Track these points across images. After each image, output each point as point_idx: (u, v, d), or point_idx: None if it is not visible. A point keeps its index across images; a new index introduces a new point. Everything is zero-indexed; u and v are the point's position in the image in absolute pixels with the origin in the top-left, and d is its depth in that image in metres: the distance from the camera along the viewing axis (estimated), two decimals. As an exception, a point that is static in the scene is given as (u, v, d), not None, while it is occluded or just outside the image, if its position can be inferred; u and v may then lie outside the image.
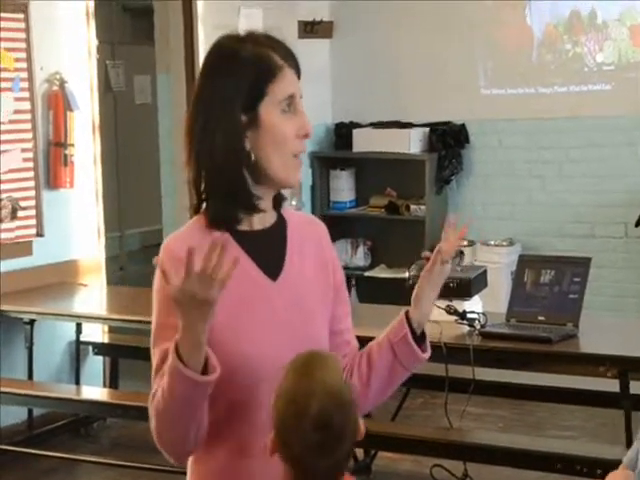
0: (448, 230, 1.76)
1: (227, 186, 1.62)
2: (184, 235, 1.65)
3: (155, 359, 1.59)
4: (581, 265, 3.45)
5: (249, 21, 5.36)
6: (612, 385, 3.29)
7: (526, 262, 3.57)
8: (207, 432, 1.60)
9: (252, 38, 1.64)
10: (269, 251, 1.66)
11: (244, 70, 1.60)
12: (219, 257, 1.44)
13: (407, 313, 1.72)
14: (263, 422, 1.56)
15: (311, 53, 5.72)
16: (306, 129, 1.64)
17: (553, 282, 3.42)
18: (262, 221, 1.67)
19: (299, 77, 1.66)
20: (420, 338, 1.71)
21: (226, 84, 1.61)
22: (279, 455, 1.45)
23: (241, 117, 1.60)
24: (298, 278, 1.67)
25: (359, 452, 3.96)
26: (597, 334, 3.41)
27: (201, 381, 1.49)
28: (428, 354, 1.73)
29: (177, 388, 1.50)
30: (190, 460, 1.66)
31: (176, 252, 1.58)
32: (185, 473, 1.73)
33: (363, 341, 1.79)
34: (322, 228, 1.78)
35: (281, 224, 1.70)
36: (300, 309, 1.65)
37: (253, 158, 1.61)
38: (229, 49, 1.64)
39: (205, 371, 1.50)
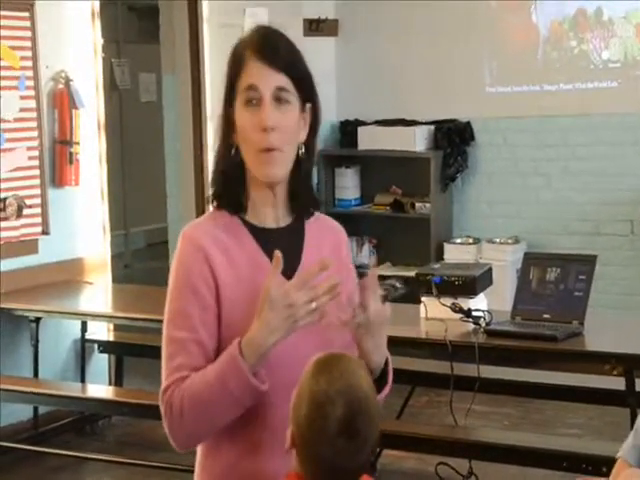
0: (363, 291, 1.63)
1: (221, 177, 1.66)
2: (203, 224, 1.67)
3: (168, 347, 1.60)
4: (587, 263, 3.44)
5: (254, 20, 5.36)
6: (618, 383, 3.29)
7: (531, 260, 3.56)
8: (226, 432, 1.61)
9: (247, 35, 1.65)
10: (284, 248, 1.64)
11: (228, 67, 1.65)
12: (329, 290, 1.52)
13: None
14: (275, 421, 1.56)
15: (316, 51, 5.71)
16: (262, 124, 1.59)
17: (558, 280, 3.41)
18: (275, 220, 1.67)
19: (279, 70, 1.60)
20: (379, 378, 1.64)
21: (224, 82, 1.66)
22: (298, 452, 1.44)
23: (228, 112, 1.64)
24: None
25: (364, 450, 3.95)
26: (603, 332, 3.40)
27: (262, 390, 1.53)
28: (385, 392, 1.66)
29: (232, 388, 1.53)
30: (199, 455, 1.67)
31: (196, 239, 1.62)
32: (190, 471, 1.73)
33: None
34: (343, 235, 1.77)
35: (299, 225, 1.70)
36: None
37: (233, 152, 1.63)
38: (232, 47, 1.66)
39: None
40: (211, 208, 1.70)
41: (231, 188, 1.65)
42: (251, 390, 1.54)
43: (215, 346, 1.60)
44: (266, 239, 1.65)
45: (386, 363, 1.66)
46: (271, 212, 1.67)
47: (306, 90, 1.64)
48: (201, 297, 1.60)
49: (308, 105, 1.66)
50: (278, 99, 1.60)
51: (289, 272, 1.63)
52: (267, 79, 1.59)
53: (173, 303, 1.61)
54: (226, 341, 1.58)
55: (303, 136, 1.66)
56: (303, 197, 1.68)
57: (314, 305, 1.53)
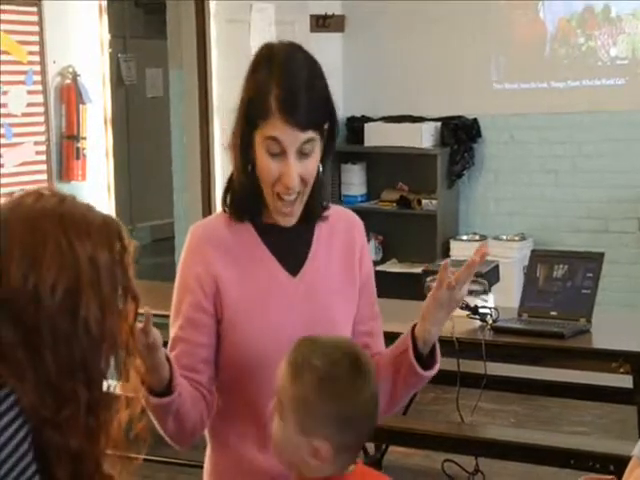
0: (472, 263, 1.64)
1: (237, 185, 1.65)
2: (210, 224, 1.69)
3: (169, 342, 1.64)
4: (594, 260, 3.43)
5: (261, 16, 5.35)
6: (625, 381, 3.28)
7: (538, 257, 3.56)
8: (223, 423, 1.61)
9: (271, 59, 1.59)
10: (292, 246, 1.66)
11: (249, 93, 1.59)
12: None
13: (414, 328, 1.65)
14: (270, 417, 1.55)
15: (323, 47, 5.70)
16: (286, 182, 1.57)
17: (566, 277, 3.41)
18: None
19: (305, 128, 1.55)
20: (429, 355, 1.65)
21: (242, 97, 1.61)
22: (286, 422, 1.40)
23: (247, 132, 1.61)
24: (321, 275, 1.66)
25: (370, 446, 3.96)
26: (610, 330, 3.40)
27: (156, 403, 1.51)
28: (432, 372, 1.66)
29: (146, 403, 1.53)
30: (208, 450, 1.69)
31: (198, 239, 1.64)
32: (197, 466, 1.74)
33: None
34: (354, 222, 1.75)
35: (308, 225, 1.69)
36: (320, 306, 1.64)
37: (250, 168, 1.61)
38: (253, 60, 1.62)
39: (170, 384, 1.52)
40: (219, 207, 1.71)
41: (245, 203, 1.64)
42: (150, 404, 1.53)
43: (213, 345, 1.61)
44: (273, 238, 1.65)
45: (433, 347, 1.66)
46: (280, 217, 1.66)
47: (327, 122, 1.62)
48: (195, 298, 1.61)
49: (326, 125, 1.63)
50: (302, 152, 1.58)
51: (295, 271, 1.64)
52: (293, 139, 1.56)
53: (173, 301, 1.65)
54: (225, 342, 1.60)
55: (320, 154, 1.63)
56: (313, 206, 1.67)
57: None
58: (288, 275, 1.64)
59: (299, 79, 1.57)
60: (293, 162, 1.56)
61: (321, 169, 1.64)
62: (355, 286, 1.70)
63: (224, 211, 1.67)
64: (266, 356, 1.56)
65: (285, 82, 1.57)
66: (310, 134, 1.57)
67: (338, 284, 1.68)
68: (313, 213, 1.67)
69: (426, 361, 1.63)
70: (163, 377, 1.51)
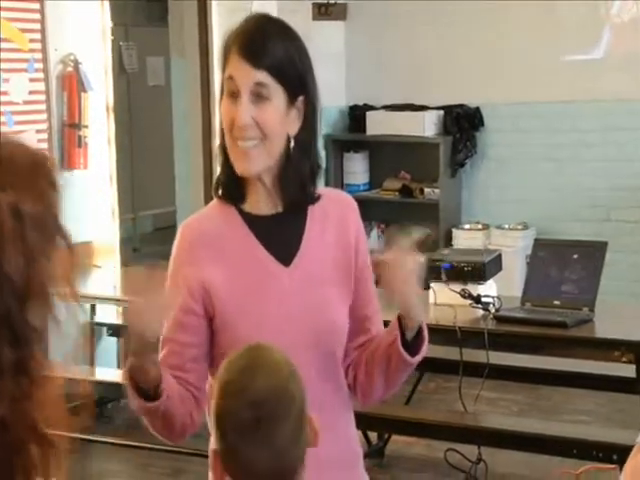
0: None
1: (222, 168, 1.66)
2: (199, 218, 1.69)
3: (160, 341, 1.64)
4: (597, 249, 3.43)
5: (263, 4, 5.33)
6: (628, 370, 3.28)
7: (541, 246, 3.55)
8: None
9: (239, 24, 1.63)
10: (282, 236, 1.64)
11: (221, 56, 1.65)
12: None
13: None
14: None
15: (325, 35, 5.69)
16: (236, 120, 1.58)
17: (569, 266, 3.40)
18: (271, 206, 1.65)
19: (257, 66, 1.57)
20: (416, 339, 1.63)
21: None
22: (220, 467, 1.30)
23: (221, 94, 1.64)
24: (315, 262, 1.64)
25: (372, 436, 3.96)
26: (613, 319, 3.40)
27: (145, 407, 1.53)
28: (419, 356, 1.64)
29: (130, 398, 1.55)
30: (211, 442, 1.67)
31: (186, 236, 1.64)
32: (198, 455, 1.74)
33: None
34: (348, 204, 1.72)
35: (299, 211, 1.67)
36: (314, 294, 1.63)
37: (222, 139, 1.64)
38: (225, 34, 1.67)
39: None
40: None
41: (226, 176, 1.65)
42: (138, 405, 1.54)
43: (203, 343, 1.61)
44: (262, 228, 1.64)
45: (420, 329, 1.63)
46: (265, 199, 1.65)
47: (296, 85, 1.61)
48: (183, 301, 1.61)
49: (300, 98, 1.62)
50: (258, 95, 1.58)
51: (287, 260, 1.63)
52: (245, 74, 1.58)
53: None
54: (221, 334, 1.60)
55: (293, 129, 1.62)
56: (291, 190, 1.64)
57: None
58: (280, 265, 1.62)
59: (260, 26, 1.62)
60: (245, 100, 1.58)
61: (292, 144, 1.62)
62: (350, 272, 1.68)
63: (216, 197, 1.68)
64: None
65: (247, 26, 1.62)
66: (265, 76, 1.58)
67: (332, 270, 1.66)
68: (294, 198, 1.65)
69: (413, 346, 1.62)
70: (151, 378, 1.52)
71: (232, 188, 1.65)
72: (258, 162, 1.60)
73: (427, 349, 1.65)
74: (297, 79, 1.62)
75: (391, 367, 1.64)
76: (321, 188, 1.71)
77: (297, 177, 1.64)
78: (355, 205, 1.73)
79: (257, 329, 1.56)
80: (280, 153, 1.62)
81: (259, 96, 1.58)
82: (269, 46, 1.59)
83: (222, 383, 1.29)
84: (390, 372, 1.64)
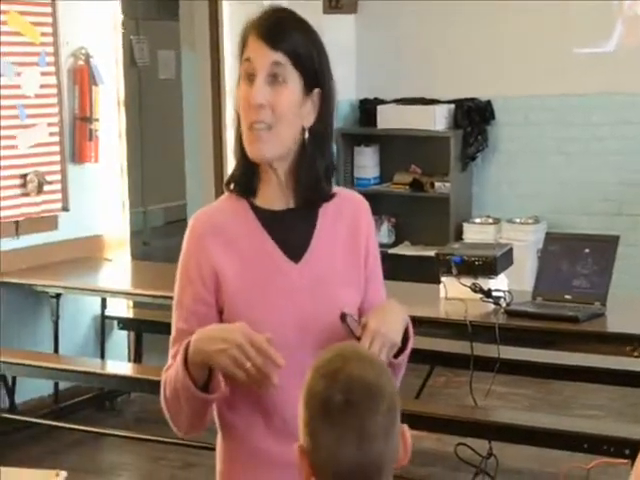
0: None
1: (237, 159, 1.65)
2: (209, 210, 1.68)
3: (172, 334, 1.63)
4: (609, 243, 3.41)
5: (274, -4, 5.32)
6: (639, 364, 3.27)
7: (553, 240, 3.54)
8: (230, 411, 1.62)
9: (257, 13, 1.63)
10: (293, 232, 1.63)
11: (238, 46, 1.63)
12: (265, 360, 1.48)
13: None
14: (287, 407, 1.54)
15: (336, 29, 5.67)
16: (251, 99, 1.57)
17: (580, 260, 3.38)
18: (284, 201, 1.64)
19: (274, 47, 1.57)
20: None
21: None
22: (307, 464, 1.27)
23: (238, 82, 1.63)
24: (324, 259, 1.63)
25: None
26: (625, 313, 3.38)
27: (202, 398, 1.53)
28: (404, 355, 1.63)
29: (182, 395, 1.54)
30: (219, 437, 1.67)
31: (198, 228, 1.63)
32: (207, 448, 1.74)
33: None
34: (360, 205, 1.71)
35: (311, 208, 1.65)
36: (323, 292, 1.61)
37: (238, 129, 1.62)
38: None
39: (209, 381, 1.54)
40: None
41: (241, 168, 1.64)
42: (195, 397, 1.54)
43: None
44: (274, 223, 1.62)
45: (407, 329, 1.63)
46: (278, 193, 1.63)
47: (311, 74, 1.60)
48: (195, 289, 1.60)
49: (316, 90, 1.62)
50: (274, 76, 1.57)
51: (297, 256, 1.61)
52: (262, 55, 1.57)
53: (175, 291, 1.64)
54: None
55: (308, 121, 1.61)
56: (305, 185, 1.63)
57: (247, 365, 1.48)
58: (289, 261, 1.61)
59: (279, 15, 1.62)
60: (260, 81, 1.57)
61: (307, 136, 1.61)
62: (360, 272, 1.67)
63: (227, 191, 1.67)
64: (263, 385, 1.53)
65: (265, 14, 1.61)
66: (282, 58, 1.57)
67: (342, 269, 1.65)
68: (308, 194, 1.63)
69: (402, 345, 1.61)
70: (205, 375, 1.54)
71: (246, 180, 1.63)
72: (270, 147, 1.59)
73: (413, 344, 1.65)
74: (314, 70, 1.61)
75: None
76: (335, 187, 1.70)
77: (311, 172, 1.63)
78: (367, 206, 1.72)
79: (262, 325, 1.55)
80: (293, 144, 1.61)
81: (275, 78, 1.58)
82: (288, 32, 1.59)
83: (315, 367, 1.28)
84: None
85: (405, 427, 1.29)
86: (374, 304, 1.66)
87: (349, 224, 1.67)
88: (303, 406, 1.27)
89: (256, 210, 1.63)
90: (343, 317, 1.56)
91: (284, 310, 1.58)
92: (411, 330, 1.65)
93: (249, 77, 1.59)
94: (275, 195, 1.63)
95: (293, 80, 1.59)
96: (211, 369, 1.53)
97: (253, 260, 1.61)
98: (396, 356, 1.60)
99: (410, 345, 1.64)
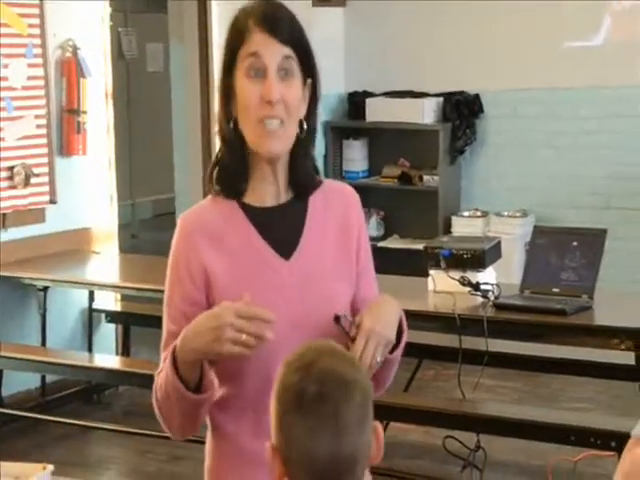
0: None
1: (223, 154, 1.62)
2: (198, 210, 1.66)
3: (163, 334, 1.62)
4: (597, 237, 3.42)
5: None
6: (627, 357, 3.28)
7: (541, 233, 3.55)
8: (219, 410, 1.61)
9: (247, 6, 1.61)
10: (283, 228, 1.62)
11: (228, 36, 1.61)
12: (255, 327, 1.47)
13: None
14: (267, 406, 1.54)
15: (325, 21, 5.66)
16: (268, 95, 1.54)
17: (568, 254, 3.40)
18: (276, 197, 1.63)
19: (284, 41, 1.56)
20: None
21: (223, 51, 1.63)
22: (280, 462, 1.26)
23: (227, 83, 1.60)
24: (314, 255, 1.62)
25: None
26: (612, 306, 3.40)
27: (194, 399, 1.53)
28: (399, 351, 1.62)
29: (173, 397, 1.54)
30: (208, 435, 1.66)
31: (186, 227, 1.61)
32: (196, 442, 1.73)
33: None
34: (350, 198, 1.69)
35: (301, 200, 1.64)
36: (314, 288, 1.60)
37: (231, 125, 1.59)
38: (233, 17, 1.63)
39: (201, 383, 1.53)
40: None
41: (229, 171, 1.61)
42: (185, 398, 1.53)
43: None
44: (263, 220, 1.61)
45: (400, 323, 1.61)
46: (271, 189, 1.62)
47: (308, 65, 1.61)
48: (184, 288, 1.59)
49: (309, 81, 1.62)
50: (284, 70, 1.56)
51: (287, 253, 1.60)
52: (272, 49, 1.55)
53: (165, 291, 1.63)
54: None
55: (303, 111, 1.62)
56: (302, 174, 1.63)
57: (243, 337, 1.47)
58: (280, 258, 1.60)
59: (277, 7, 1.61)
60: (273, 76, 1.55)
61: (305, 126, 1.61)
62: (351, 266, 1.66)
63: (211, 192, 1.64)
64: (258, 347, 1.51)
65: (263, 7, 1.59)
66: (289, 51, 1.57)
67: (333, 264, 1.64)
68: (304, 183, 1.63)
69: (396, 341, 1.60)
70: (197, 374, 1.53)
71: (235, 181, 1.62)
72: (282, 142, 1.58)
73: (406, 338, 1.64)
74: (310, 58, 1.62)
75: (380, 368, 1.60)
76: (324, 179, 1.70)
77: (307, 162, 1.64)
78: (358, 199, 1.70)
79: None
80: (294, 136, 1.61)
81: (285, 72, 1.57)
82: (290, 23, 1.59)
83: (287, 362, 1.28)
84: (380, 372, 1.60)
85: (377, 424, 1.28)
86: (367, 299, 1.65)
87: (339, 217, 1.66)
88: (276, 401, 1.26)
89: (245, 208, 1.62)
90: (337, 319, 1.56)
91: (275, 307, 1.56)
92: (405, 323, 1.64)
93: (255, 72, 1.56)
94: (266, 191, 1.62)
95: (297, 73, 1.59)
96: (202, 368, 1.53)
97: (243, 258, 1.59)
98: (391, 351, 1.59)
99: (404, 339, 1.63)
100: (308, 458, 1.23)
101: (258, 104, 1.55)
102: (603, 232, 3.43)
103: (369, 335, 1.53)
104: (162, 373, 1.56)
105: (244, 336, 1.47)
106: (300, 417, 1.23)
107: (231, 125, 1.60)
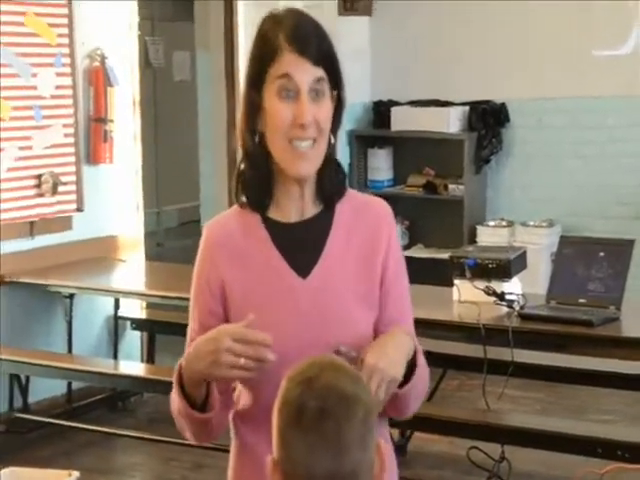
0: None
1: (246, 167, 1.61)
2: (222, 220, 1.65)
3: (187, 341, 1.62)
4: (624, 247, 3.39)
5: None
6: (655, 370, 3.25)
7: (567, 243, 3.52)
8: (240, 421, 1.61)
9: (276, 17, 1.58)
10: (304, 245, 1.59)
11: (255, 50, 1.59)
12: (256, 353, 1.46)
13: None
14: None
15: (351, 31, 5.67)
16: (300, 119, 1.52)
17: (595, 264, 3.37)
18: (300, 212, 1.61)
19: (316, 63, 1.54)
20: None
21: (248, 63, 1.61)
22: (280, 476, 1.23)
23: (254, 97, 1.58)
24: (334, 274, 1.58)
25: (394, 433, 3.95)
26: (639, 317, 3.36)
27: (198, 417, 1.53)
28: (406, 387, 1.54)
29: (182, 413, 1.55)
30: (232, 444, 1.66)
31: (209, 238, 1.62)
32: (221, 450, 1.73)
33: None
34: (381, 214, 1.64)
35: (326, 214, 1.61)
36: (331, 309, 1.57)
37: (257, 139, 1.57)
38: (258, 28, 1.61)
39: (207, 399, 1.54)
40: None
41: (253, 184, 1.60)
42: (192, 416, 1.53)
43: None
44: (284, 236, 1.59)
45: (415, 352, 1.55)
46: (296, 205, 1.60)
47: (336, 79, 1.60)
48: (204, 300, 1.60)
49: (334, 92, 1.60)
50: (315, 91, 1.55)
51: (305, 271, 1.58)
52: (304, 71, 1.53)
53: (190, 296, 1.64)
54: None
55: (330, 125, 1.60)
56: (328, 185, 1.61)
57: (242, 361, 1.45)
58: (297, 277, 1.57)
59: (307, 22, 1.59)
60: (306, 99, 1.54)
61: (332, 140, 1.60)
62: (373, 286, 1.59)
63: (237, 202, 1.64)
64: (262, 367, 1.49)
65: (293, 22, 1.57)
66: (321, 72, 1.55)
67: (353, 282, 1.58)
68: (330, 193, 1.61)
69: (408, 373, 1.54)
70: (202, 392, 1.53)
71: (261, 194, 1.60)
72: (313, 163, 1.57)
73: (424, 373, 1.57)
74: (338, 73, 1.60)
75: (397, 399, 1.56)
76: (359, 193, 1.68)
77: (335, 175, 1.62)
78: (390, 217, 1.66)
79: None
80: (324, 154, 1.59)
81: (317, 93, 1.55)
82: (319, 41, 1.56)
83: (289, 376, 1.27)
84: (392, 399, 1.55)
85: (382, 442, 1.26)
86: (394, 322, 1.60)
87: (366, 234, 1.62)
88: (277, 415, 1.25)
89: (267, 222, 1.60)
90: (337, 353, 1.49)
91: (287, 326, 1.55)
92: (421, 358, 1.56)
93: (287, 93, 1.54)
94: (291, 207, 1.60)
95: (327, 91, 1.58)
96: (209, 387, 1.53)
97: (259, 275, 1.58)
98: (402, 386, 1.53)
99: (418, 374, 1.55)
100: (307, 474, 1.21)
101: (290, 125, 1.54)
102: (631, 242, 3.40)
103: (372, 372, 1.47)
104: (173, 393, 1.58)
105: (242, 360, 1.46)
106: (300, 433, 1.21)
107: (256, 140, 1.58)
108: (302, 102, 1.53)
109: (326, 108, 1.57)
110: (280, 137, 1.55)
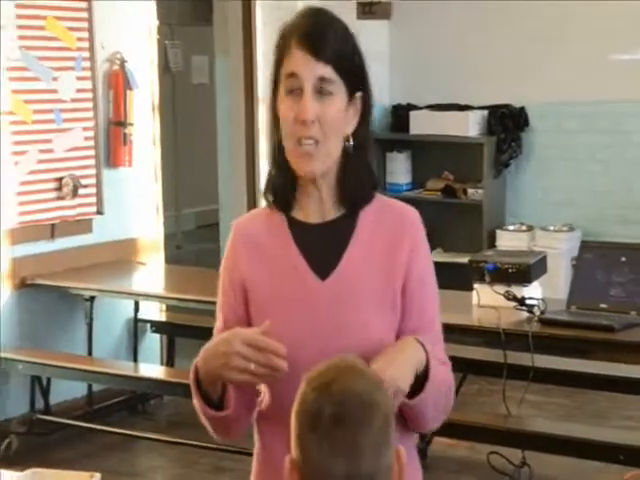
0: None
1: (272, 168, 1.63)
2: (250, 217, 1.69)
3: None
4: (645, 252, 3.37)
5: (307, 3, 5.33)
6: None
7: (588, 248, 3.50)
8: (261, 421, 1.62)
9: (294, 18, 1.59)
10: (325, 247, 1.59)
11: (274, 53, 1.59)
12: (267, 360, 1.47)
13: None
14: None
15: (369, 34, 5.67)
16: (302, 115, 1.52)
17: (616, 269, 3.35)
18: (321, 214, 1.60)
19: (325, 61, 1.53)
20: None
21: (271, 68, 1.62)
22: (297, 477, 1.23)
23: (274, 101, 1.59)
24: (354, 278, 1.57)
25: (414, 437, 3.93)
26: (661, 323, 3.33)
27: (213, 415, 1.55)
28: (417, 399, 1.50)
29: (200, 411, 1.57)
30: (255, 445, 1.67)
31: (235, 235, 1.64)
32: (241, 452, 1.73)
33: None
34: (407, 220, 1.62)
35: (349, 218, 1.60)
36: (348, 312, 1.55)
37: (277, 141, 1.59)
38: (279, 32, 1.61)
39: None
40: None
41: (278, 184, 1.61)
42: (208, 414, 1.55)
43: None
44: (306, 237, 1.59)
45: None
46: (316, 207, 1.60)
47: (355, 80, 1.58)
48: (229, 301, 1.62)
49: (358, 94, 1.59)
50: (319, 90, 1.54)
51: (324, 273, 1.57)
52: (309, 69, 1.53)
53: (218, 293, 1.65)
54: None
55: (352, 127, 1.58)
56: (352, 190, 1.60)
57: (252, 366, 1.46)
58: (316, 278, 1.57)
59: (322, 20, 1.58)
60: (309, 96, 1.53)
61: (351, 142, 1.58)
62: (395, 292, 1.57)
63: (267, 202, 1.65)
64: (289, 364, 1.48)
65: (307, 20, 1.57)
66: (329, 71, 1.54)
67: (372, 287, 1.57)
68: (353, 197, 1.60)
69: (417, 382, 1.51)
70: (218, 390, 1.54)
71: (286, 192, 1.61)
72: (318, 163, 1.56)
73: (437, 384, 1.54)
74: (357, 74, 1.59)
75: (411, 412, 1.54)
76: (387, 197, 1.67)
77: (356, 179, 1.60)
78: (417, 222, 1.63)
79: (285, 343, 1.49)
80: (339, 153, 1.58)
81: (322, 91, 1.54)
82: (330, 39, 1.55)
83: (308, 379, 1.26)
84: (405, 411, 1.54)
85: (401, 448, 1.24)
86: (414, 328, 1.57)
87: (389, 239, 1.60)
88: (294, 419, 1.25)
89: (291, 223, 1.61)
90: None
91: (304, 327, 1.55)
92: (434, 369, 1.52)
93: (292, 91, 1.55)
94: (311, 208, 1.61)
95: (339, 89, 1.56)
96: (224, 385, 1.54)
97: (279, 276, 1.59)
98: (412, 397, 1.49)
99: (430, 386, 1.51)
100: (325, 476, 1.20)
101: (293, 123, 1.54)
102: (652, 247, 3.38)
103: None
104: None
105: (252, 365, 1.46)
106: (316, 438, 1.20)
107: (276, 146, 1.60)
108: (304, 99, 1.53)
109: (333, 108, 1.55)
110: (289, 136, 1.56)
